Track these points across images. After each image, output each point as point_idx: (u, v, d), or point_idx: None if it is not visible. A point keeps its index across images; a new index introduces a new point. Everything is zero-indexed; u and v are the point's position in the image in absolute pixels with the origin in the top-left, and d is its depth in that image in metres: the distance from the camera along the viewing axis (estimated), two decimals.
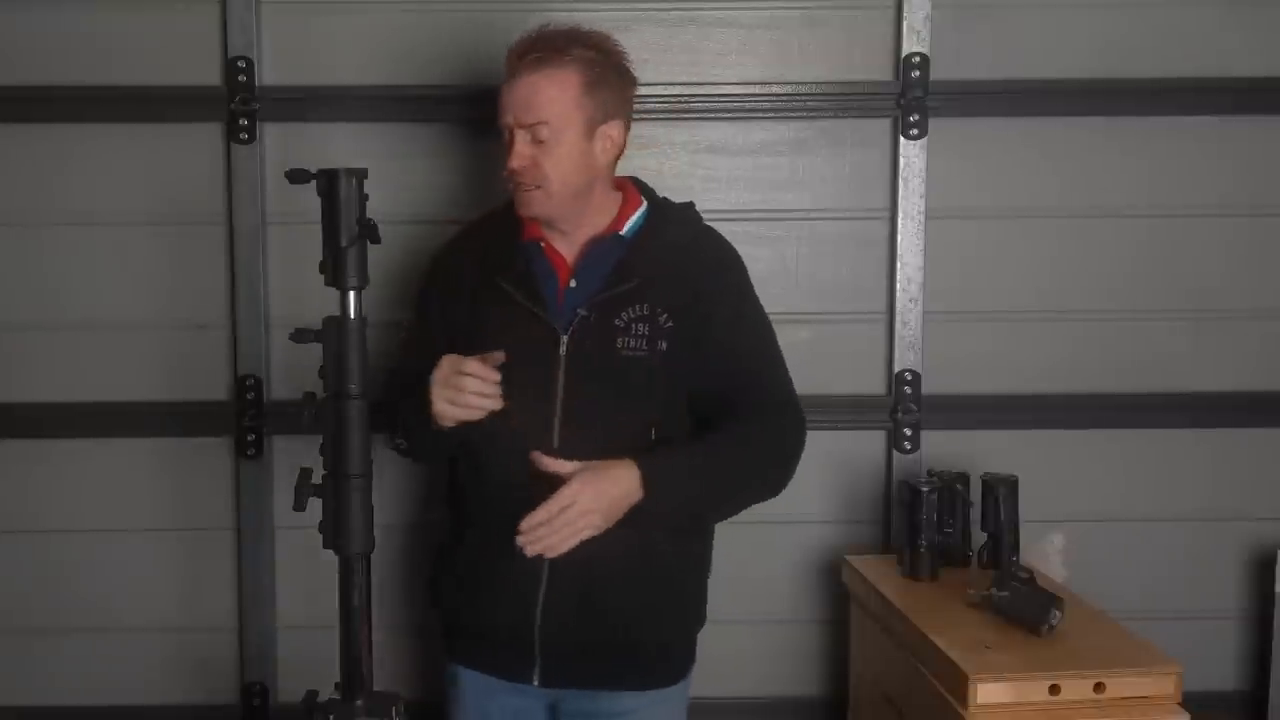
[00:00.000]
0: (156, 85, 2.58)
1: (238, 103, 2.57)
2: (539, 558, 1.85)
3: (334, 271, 1.78)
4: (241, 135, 2.58)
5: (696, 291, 1.96)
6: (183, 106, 2.59)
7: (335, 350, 1.79)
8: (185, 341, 2.65)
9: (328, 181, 1.77)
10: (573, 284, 1.97)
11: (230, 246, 2.61)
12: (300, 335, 1.80)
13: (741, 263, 2.08)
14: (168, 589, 2.70)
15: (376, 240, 1.78)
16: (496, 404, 1.85)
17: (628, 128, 2.01)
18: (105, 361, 2.65)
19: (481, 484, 1.98)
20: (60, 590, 2.69)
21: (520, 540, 1.80)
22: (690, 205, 2.11)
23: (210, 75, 2.59)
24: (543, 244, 2.00)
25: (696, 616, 2.09)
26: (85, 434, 2.65)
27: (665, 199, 2.09)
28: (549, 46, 1.91)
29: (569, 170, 1.92)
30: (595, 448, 1.88)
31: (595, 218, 1.99)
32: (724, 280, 2.02)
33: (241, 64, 2.56)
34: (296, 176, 1.79)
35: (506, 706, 2.03)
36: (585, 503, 1.80)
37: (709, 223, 2.13)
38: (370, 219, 1.78)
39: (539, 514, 1.79)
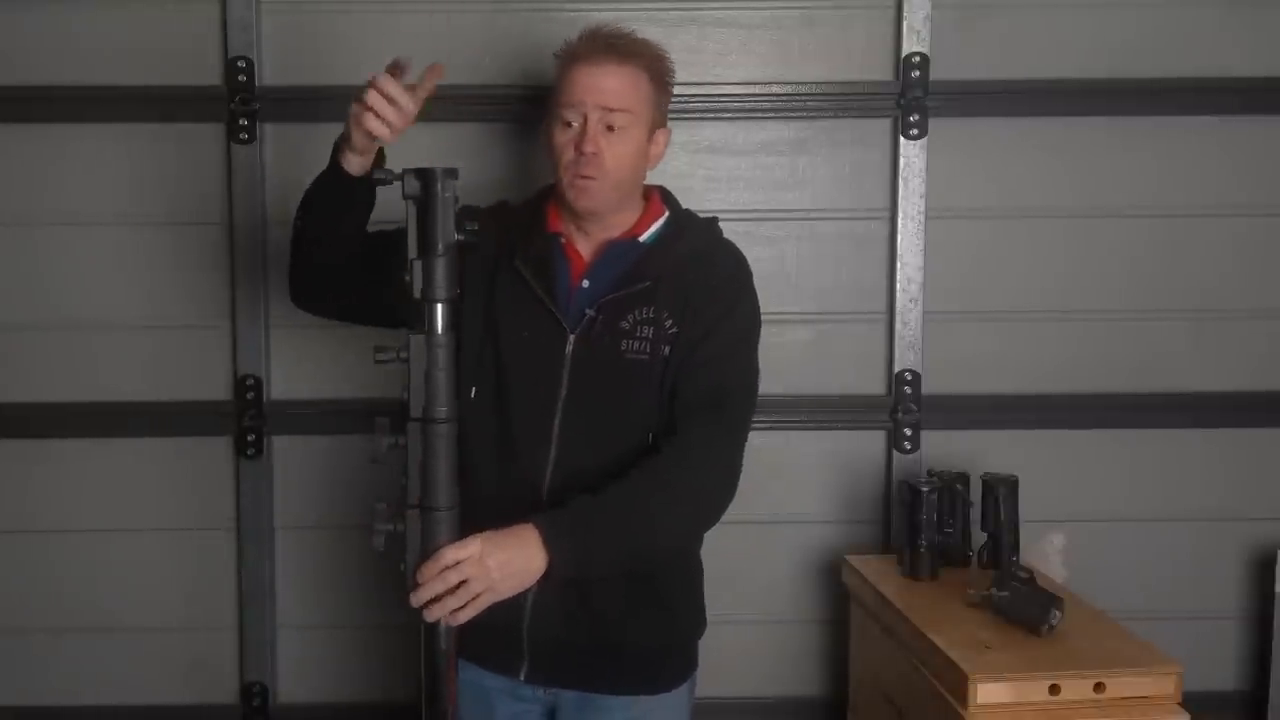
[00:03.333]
0: (156, 85, 2.58)
1: (238, 103, 2.57)
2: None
3: (425, 282, 1.62)
4: (241, 135, 2.58)
5: (696, 297, 1.94)
6: (183, 106, 2.59)
7: (423, 369, 1.63)
8: (185, 341, 2.65)
9: (422, 183, 1.62)
10: (585, 284, 1.96)
11: (230, 246, 2.61)
12: (381, 353, 1.64)
13: (747, 278, 2.02)
14: (168, 589, 2.70)
15: (474, 244, 1.69)
16: (401, 111, 1.77)
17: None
18: (105, 361, 2.65)
19: (479, 484, 1.97)
20: (60, 590, 2.69)
21: (414, 601, 1.70)
22: (713, 220, 2.09)
23: (210, 75, 2.59)
24: (563, 239, 1.99)
25: (692, 622, 2.06)
26: (85, 434, 2.65)
27: (689, 211, 2.08)
28: (627, 40, 1.95)
29: (628, 166, 1.92)
30: (591, 450, 1.88)
31: (620, 221, 1.99)
32: (722, 290, 1.97)
33: (241, 64, 2.56)
34: (381, 180, 1.67)
35: (505, 710, 2.01)
36: (489, 564, 1.69)
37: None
38: (472, 224, 1.65)
39: (428, 569, 1.68)
